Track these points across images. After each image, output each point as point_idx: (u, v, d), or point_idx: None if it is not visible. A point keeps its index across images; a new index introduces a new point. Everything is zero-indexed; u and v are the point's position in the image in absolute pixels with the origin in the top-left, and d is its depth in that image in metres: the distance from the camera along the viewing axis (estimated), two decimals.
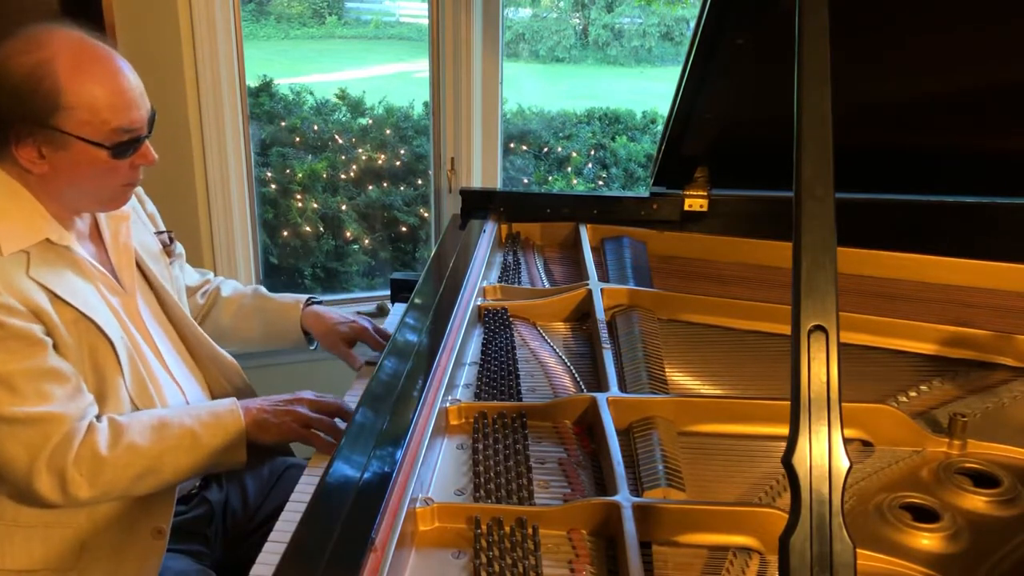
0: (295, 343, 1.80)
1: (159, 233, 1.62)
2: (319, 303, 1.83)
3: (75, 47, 1.28)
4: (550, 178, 4.10)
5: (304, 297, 1.82)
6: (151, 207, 1.65)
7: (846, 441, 0.80)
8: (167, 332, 1.55)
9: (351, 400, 1.56)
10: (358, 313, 1.87)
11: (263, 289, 1.85)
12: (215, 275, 1.87)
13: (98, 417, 1.32)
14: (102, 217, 1.47)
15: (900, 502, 1.10)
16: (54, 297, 1.29)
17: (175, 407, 1.46)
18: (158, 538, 1.40)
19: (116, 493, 1.33)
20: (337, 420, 1.47)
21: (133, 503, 1.39)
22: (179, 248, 1.67)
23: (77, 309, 1.31)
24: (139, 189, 1.59)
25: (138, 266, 1.52)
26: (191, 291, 1.76)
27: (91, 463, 1.28)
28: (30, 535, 1.35)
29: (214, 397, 1.59)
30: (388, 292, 2.16)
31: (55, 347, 1.29)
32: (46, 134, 1.27)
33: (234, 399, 1.46)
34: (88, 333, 1.33)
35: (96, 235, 1.47)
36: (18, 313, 1.24)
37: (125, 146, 1.32)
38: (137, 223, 1.55)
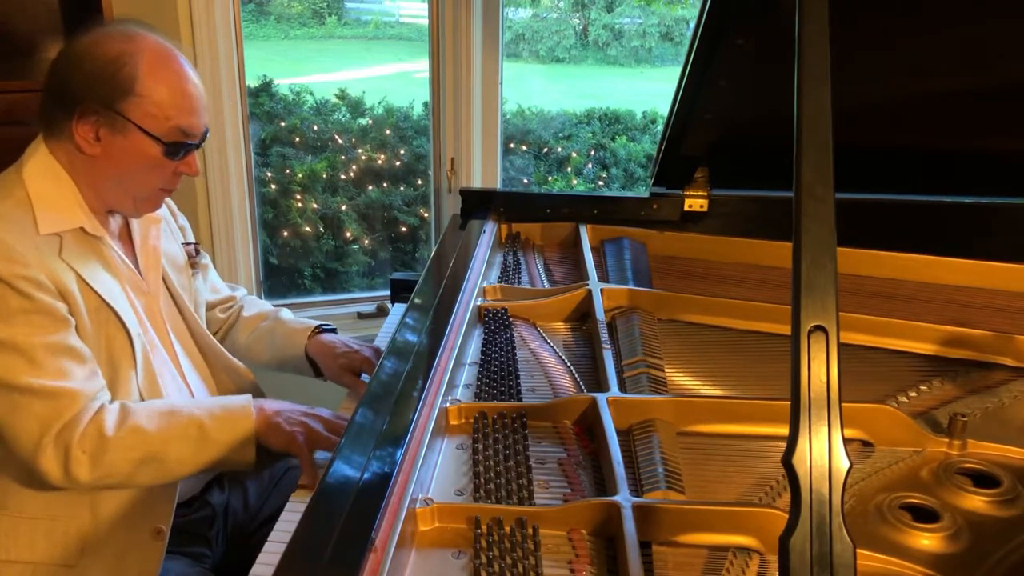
0: (301, 371, 1.75)
1: (187, 244, 1.64)
2: (331, 331, 1.76)
3: (159, 49, 1.37)
4: (550, 178, 4.10)
5: (314, 324, 1.75)
6: (183, 220, 1.68)
7: (846, 441, 0.80)
8: (183, 337, 1.56)
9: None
10: (370, 347, 1.75)
11: (285, 313, 1.80)
12: (244, 290, 1.86)
13: (110, 401, 1.34)
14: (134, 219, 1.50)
15: (900, 502, 1.10)
16: (81, 281, 1.33)
17: (189, 399, 1.48)
18: (158, 539, 1.40)
19: (117, 477, 1.32)
20: None
21: (135, 502, 1.39)
22: (205, 258, 1.69)
23: (101, 297, 1.35)
24: (172, 202, 1.64)
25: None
26: (210, 305, 1.75)
27: (95, 442, 1.28)
28: (34, 527, 1.36)
29: None
30: (388, 292, 2.16)
31: (75, 330, 1.31)
32: (110, 117, 1.33)
33: (249, 396, 1.45)
34: (108, 323, 1.36)
35: (126, 236, 1.50)
36: (46, 289, 1.27)
37: (177, 147, 1.38)
38: (167, 232, 1.58)
